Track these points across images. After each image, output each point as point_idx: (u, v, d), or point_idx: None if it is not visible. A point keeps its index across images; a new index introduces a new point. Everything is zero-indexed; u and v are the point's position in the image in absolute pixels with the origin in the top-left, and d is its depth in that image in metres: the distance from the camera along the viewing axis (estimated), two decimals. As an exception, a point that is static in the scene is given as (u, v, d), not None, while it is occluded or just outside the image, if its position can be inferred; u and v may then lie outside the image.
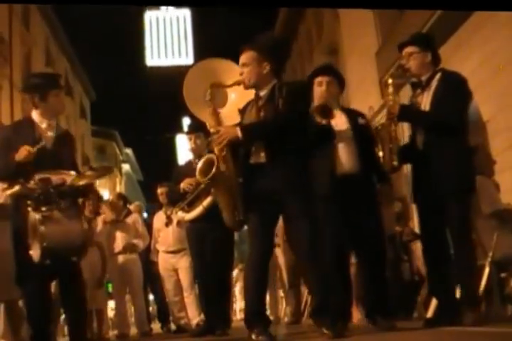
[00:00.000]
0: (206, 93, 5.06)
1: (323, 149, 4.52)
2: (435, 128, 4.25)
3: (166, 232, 7.35)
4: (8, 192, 4.03)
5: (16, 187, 3.96)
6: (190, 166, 5.76)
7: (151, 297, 10.05)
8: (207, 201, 5.43)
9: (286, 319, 8.35)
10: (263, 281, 3.95)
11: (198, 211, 5.50)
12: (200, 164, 4.27)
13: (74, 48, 28.39)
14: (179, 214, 5.80)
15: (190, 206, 5.56)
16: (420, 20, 11.72)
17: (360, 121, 4.64)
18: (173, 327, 8.50)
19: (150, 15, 33.06)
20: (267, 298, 10.51)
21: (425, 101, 4.36)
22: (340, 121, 4.58)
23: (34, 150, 4.00)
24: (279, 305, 9.45)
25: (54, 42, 27.54)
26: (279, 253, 8.31)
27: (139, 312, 7.84)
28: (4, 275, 5.56)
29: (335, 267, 4.47)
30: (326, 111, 4.38)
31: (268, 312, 10.34)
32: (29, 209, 3.98)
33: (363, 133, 4.51)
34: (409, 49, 4.49)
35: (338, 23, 18.72)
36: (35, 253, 3.95)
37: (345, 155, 4.50)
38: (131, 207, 8.71)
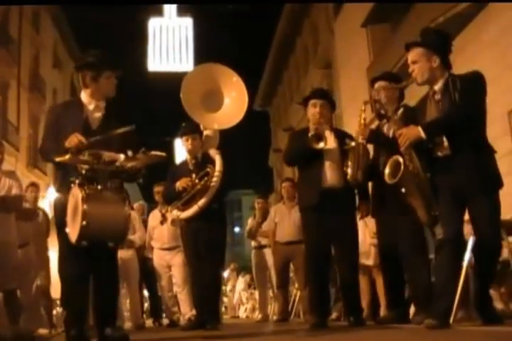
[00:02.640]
0: (202, 96, 5.13)
1: (313, 164, 4.93)
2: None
3: (161, 230, 7.38)
4: (58, 159, 3.70)
5: (67, 156, 3.64)
6: (185, 166, 5.78)
7: (145, 293, 10.04)
8: (202, 201, 5.44)
9: (274, 317, 8.37)
10: (456, 271, 3.86)
11: (193, 210, 5.49)
12: (387, 168, 4.06)
13: (81, 52, 28.37)
14: (174, 213, 5.79)
15: (186, 205, 5.56)
16: (409, 40, 11.79)
17: (348, 141, 4.94)
18: (165, 321, 8.52)
19: (153, 23, 32.99)
20: (257, 297, 10.55)
21: (388, 130, 4.70)
22: (330, 141, 4.96)
23: (86, 142, 3.74)
24: (268, 305, 9.47)
25: (62, 46, 27.40)
26: (268, 254, 8.35)
27: (134, 306, 7.84)
28: (4, 265, 5.56)
29: (312, 272, 4.92)
30: (320, 137, 4.80)
31: (257, 312, 10.42)
32: (72, 185, 3.72)
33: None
34: (380, 83, 4.92)
35: (333, 38, 18.84)
36: (72, 232, 3.68)
37: (331, 171, 4.91)
38: (135, 206, 8.75)
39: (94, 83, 4.10)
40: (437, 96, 3.90)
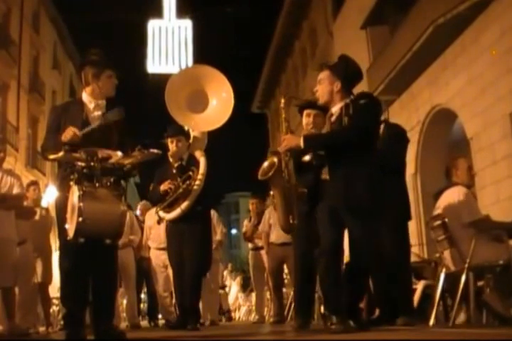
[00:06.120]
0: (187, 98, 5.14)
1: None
2: None
3: (158, 230, 7.34)
4: (52, 156, 3.77)
5: (60, 153, 3.69)
6: (170, 169, 5.79)
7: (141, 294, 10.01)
8: (185, 204, 5.47)
9: (271, 319, 8.31)
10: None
11: (176, 213, 5.54)
12: (264, 164, 4.31)
13: (80, 54, 28.34)
14: (160, 214, 5.82)
15: (170, 207, 5.61)
16: (409, 41, 11.82)
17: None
18: (161, 322, 8.47)
19: (153, 25, 32.99)
20: (253, 298, 10.49)
21: None
22: None
23: (80, 134, 3.77)
24: (265, 306, 9.39)
25: (61, 48, 27.48)
26: (265, 255, 8.29)
27: (130, 305, 7.80)
28: (4, 262, 5.55)
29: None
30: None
31: (253, 313, 10.34)
32: (71, 183, 3.73)
33: None
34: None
35: (332, 41, 18.81)
36: (70, 229, 3.67)
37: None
38: (139, 206, 8.77)
39: (96, 80, 4.13)
40: (332, 119, 4.11)
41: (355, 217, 3.86)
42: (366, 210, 3.88)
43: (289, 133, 4.20)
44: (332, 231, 3.95)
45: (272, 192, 4.38)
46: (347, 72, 4.13)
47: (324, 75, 4.13)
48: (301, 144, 3.94)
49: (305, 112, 5.05)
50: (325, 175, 4.01)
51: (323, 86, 4.11)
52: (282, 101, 4.35)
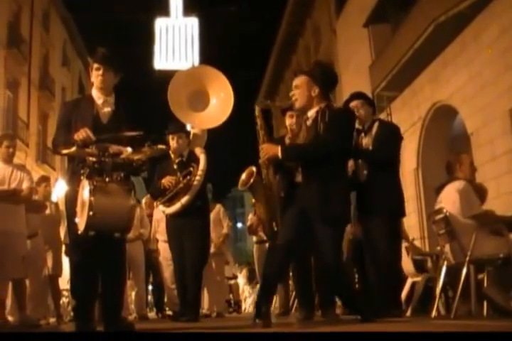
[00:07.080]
0: (188, 97, 5.17)
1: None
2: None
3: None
4: (64, 151, 3.76)
5: (73, 148, 3.69)
6: (171, 165, 5.81)
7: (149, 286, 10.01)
8: (185, 198, 5.51)
9: (276, 311, 8.30)
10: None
11: (176, 207, 5.58)
12: (243, 175, 4.32)
13: (89, 52, 28.33)
14: (160, 208, 5.87)
15: (170, 202, 5.64)
16: (410, 39, 11.77)
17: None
18: (169, 313, 8.47)
19: (160, 23, 33.03)
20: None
21: (367, 142, 4.92)
22: None
23: (93, 138, 3.73)
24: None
25: (71, 46, 27.47)
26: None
27: (139, 297, 7.80)
28: (14, 255, 5.59)
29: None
30: None
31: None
32: (82, 177, 3.72)
33: None
34: (354, 103, 5.05)
35: (335, 38, 18.77)
36: (80, 223, 3.66)
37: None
38: (144, 199, 8.76)
39: (91, 74, 4.19)
40: (308, 123, 4.08)
41: (325, 225, 3.82)
42: (337, 220, 3.88)
43: (266, 142, 4.14)
44: (291, 229, 3.92)
45: (253, 200, 4.36)
46: (324, 77, 4.14)
47: (301, 81, 4.12)
48: (279, 154, 3.91)
49: (288, 114, 5.08)
50: (298, 178, 3.98)
51: (300, 91, 4.10)
52: (257, 109, 4.26)
